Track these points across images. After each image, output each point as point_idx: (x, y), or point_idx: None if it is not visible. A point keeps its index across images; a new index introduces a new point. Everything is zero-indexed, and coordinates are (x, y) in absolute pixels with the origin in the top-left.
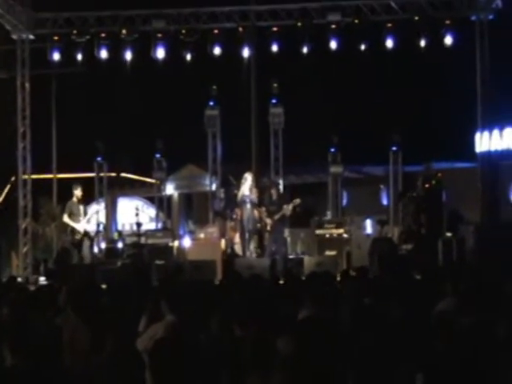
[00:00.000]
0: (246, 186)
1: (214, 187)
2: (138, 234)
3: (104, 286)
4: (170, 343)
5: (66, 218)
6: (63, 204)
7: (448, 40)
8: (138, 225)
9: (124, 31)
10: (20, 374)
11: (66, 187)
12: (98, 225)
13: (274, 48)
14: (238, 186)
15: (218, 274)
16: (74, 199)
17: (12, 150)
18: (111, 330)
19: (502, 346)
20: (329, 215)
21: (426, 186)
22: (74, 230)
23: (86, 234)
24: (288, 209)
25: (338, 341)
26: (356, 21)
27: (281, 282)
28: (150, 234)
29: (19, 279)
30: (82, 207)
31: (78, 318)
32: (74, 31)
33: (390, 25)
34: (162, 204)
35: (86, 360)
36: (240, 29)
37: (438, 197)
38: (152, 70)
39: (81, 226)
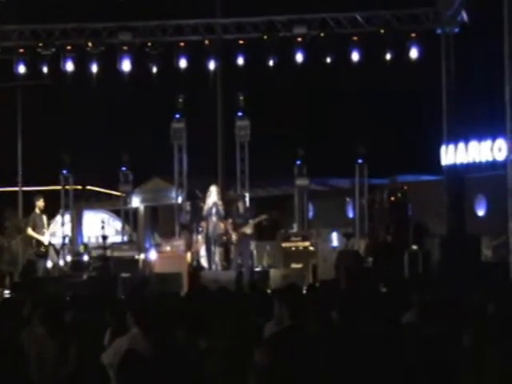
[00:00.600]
0: (212, 199)
1: (179, 200)
2: (104, 247)
3: (69, 299)
4: (136, 356)
5: (30, 231)
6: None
7: (413, 53)
8: (104, 238)
9: (90, 44)
10: None
11: (31, 200)
12: (64, 237)
13: (240, 61)
14: (204, 199)
15: (184, 287)
16: (37, 211)
17: None
18: (76, 343)
19: (466, 357)
20: (295, 228)
21: (392, 198)
22: (38, 242)
23: (51, 245)
24: (252, 224)
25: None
26: (322, 34)
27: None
28: (115, 246)
29: None
30: (45, 218)
31: (43, 330)
32: (40, 44)
33: (355, 38)
34: (128, 217)
35: (52, 373)
36: (206, 41)
37: (404, 209)
38: (118, 82)
39: (45, 237)
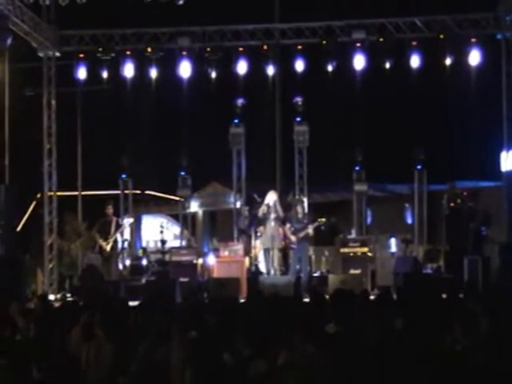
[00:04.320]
0: (270, 204)
1: (238, 205)
2: (163, 252)
3: (131, 304)
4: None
5: (95, 236)
6: (88, 221)
7: (473, 58)
8: (163, 242)
9: (149, 49)
10: None
11: (90, 204)
12: (123, 242)
13: (299, 66)
14: (262, 204)
15: (243, 292)
16: (107, 217)
17: (38, 167)
18: (135, 349)
19: None
20: (353, 233)
21: (451, 204)
22: (101, 247)
23: (114, 250)
24: (310, 230)
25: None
26: (381, 39)
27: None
28: (174, 251)
29: (51, 297)
30: (113, 224)
31: (102, 334)
32: (100, 49)
33: (414, 43)
34: (187, 221)
35: (108, 376)
36: (264, 46)
37: (463, 216)
38: (177, 87)
39: (109, 243)
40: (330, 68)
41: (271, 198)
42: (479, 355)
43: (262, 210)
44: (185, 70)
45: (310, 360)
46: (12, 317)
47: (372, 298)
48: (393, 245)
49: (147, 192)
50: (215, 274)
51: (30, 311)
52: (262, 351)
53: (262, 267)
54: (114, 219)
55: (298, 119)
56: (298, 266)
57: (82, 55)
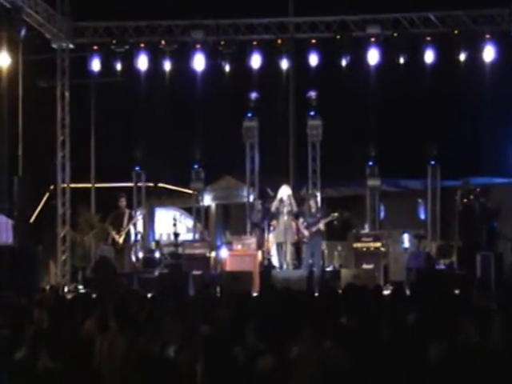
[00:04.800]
0: (284, 198)
1: (251, 199)
2: (176, 245)
3: (145, 296)
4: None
5: (108, 228)
6: (101, 213)
7: (488, 54)
8: (176, 235)
9: (163, 41)
10: (58, 377)
11: (104, 196)
12: (136, 234)
13: (313, 60)
14: (275, 198)
15: (255, 285)
16: (120, 209)
17: (51, 158)
18: (147, 339)
19: None
20: (366, 228)
21: (464, 200)
22: (114, 240)
23: (126, 242)
24: (324, 223)
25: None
26: (395, 34)
27: (316, 294)
28: (187, 244)
29: (66, 289)
30: (126, 217)
31: (115, 326)
32: (113, 41)
33: (429, 38)
34: (200, 215)
35: (120, 368)
36: (278, 40)
37: (476, 212)
38: (191, 80)
39: (122, 235)
40: (343, 62)
41: (284, 192)
42: (492, 352)
43: (275, 205)
44: (199, 63)
45: (322, 354)
46: (27, 308)
47: (385, 293)
48: (406, 240)
49: (160, 185)
50: (228, 268)
51: (43, 302)
52: (274, 346)
53: (275, 261)
54: (127, 212)
55: (312, 113)
56: (310, 261)
57: (95, 47)
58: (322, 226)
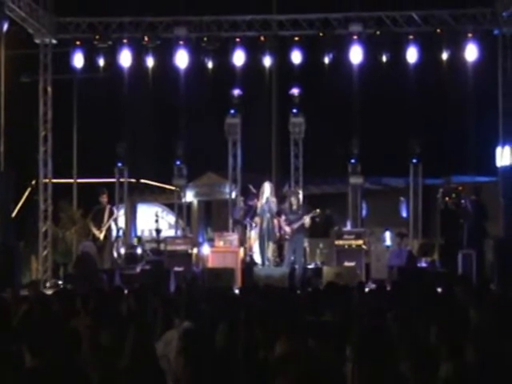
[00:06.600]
0: (266, 195)
1: (233, 195)
2: (158, 241)
3: (125, 291)
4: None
5: (89, 223)
6: (83, 208)
7: (470, 53)
8: (158, 231)
9: (146, 37)
10: (41, 376)
11: (86, 192)
12: (118, 230)
13: (296, 57)
14: (258, 195)
15: (237, 282)
16: (100, 204)
17: (33, 153)
18: (131, 336)
19: None
20: (348, 226)
21: (446, 199)
22: (94, 236)
23: (107, 239)
24: (307, 219)
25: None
26: (378, 32)
27: (298, 291)
28: (169, 240)
29: (47, 284)
30: (106, 212)
31: (96, 322)
32: (96, 36)
33: (411, 37)
34: (182, 211)
35: (103, 365)
36: (261, 37)
37: (458, 210)
38: (173, 76)
39: (102, 232)
40: (326, 60)
41: (267, 189)
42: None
43: (259, 203)
44: (181, 59)
45: (304, 351)
46: (7, 303)
47: (367, 290)
48: (388, 238)
49: (143, 181)
50: (210, 264)
51: (24, 298)
52: (257, 342)
53: (257, 258)
54: (108, 207)
55: (295, 111)
56: (292, 258)
57: (78, 42)
58: (307, 221)
